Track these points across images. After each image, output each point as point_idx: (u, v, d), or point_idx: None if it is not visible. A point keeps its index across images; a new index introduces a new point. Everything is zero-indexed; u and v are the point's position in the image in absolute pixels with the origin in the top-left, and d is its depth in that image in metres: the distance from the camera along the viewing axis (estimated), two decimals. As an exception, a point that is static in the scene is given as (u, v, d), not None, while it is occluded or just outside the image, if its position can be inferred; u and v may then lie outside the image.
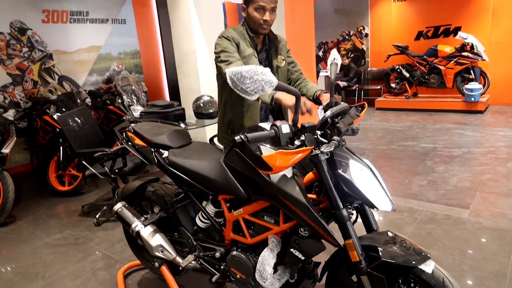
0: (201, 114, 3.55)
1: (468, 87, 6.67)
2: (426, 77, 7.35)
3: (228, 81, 1.16)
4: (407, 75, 7.54)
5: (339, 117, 1.40)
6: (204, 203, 1.87)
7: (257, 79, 1.13)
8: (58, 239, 2.97)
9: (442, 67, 7.08)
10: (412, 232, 2.64)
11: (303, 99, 1.58)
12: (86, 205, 3.50)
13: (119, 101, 4.55)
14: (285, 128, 1.24)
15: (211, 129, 3.93)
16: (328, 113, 1.33)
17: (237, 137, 1.16)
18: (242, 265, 1.64)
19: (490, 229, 2.61)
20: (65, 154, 3.84)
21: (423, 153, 4.57)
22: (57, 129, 3.86)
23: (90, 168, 3.06)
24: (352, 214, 1.39)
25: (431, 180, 3.63)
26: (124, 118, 4.41)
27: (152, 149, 1.87)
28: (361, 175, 1.34)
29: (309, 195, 1.44)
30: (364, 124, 6.55)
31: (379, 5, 8.39)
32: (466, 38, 6.63)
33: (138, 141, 1.92)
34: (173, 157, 1.80)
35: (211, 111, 3.55)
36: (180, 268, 1.94)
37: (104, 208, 3.31)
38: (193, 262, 1.82)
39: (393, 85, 7.94)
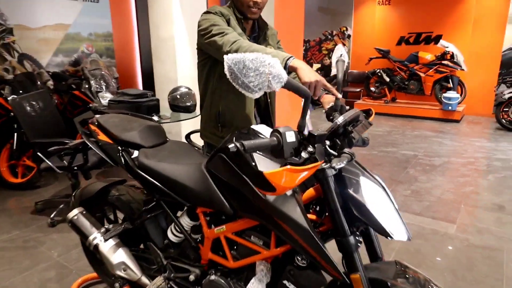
0: (178, 107, 3.23)
1: (446, 96, 6.71)
2: (406, 83, 7.35)
3: (226, 71, 0.89)
4: (387, 79, 7.51)
5: (351, 125, 1.17)
6: (179, 212, 1.59)
7: (264, 71, 0.87)
8: (4, 241, 2.58)
9: (422, 74, 7.08)
10: (400, 248, 2.48)
11: (323, 81, 1.28)
12: (40, 201, 3.10)
13: (86, 86, 4.13)
14: (290, 136, 0.99)
15: (188, 124, 3.62)
16: (340, 119, 1.10)
17: (231, 145, 0.90)
18: (222, 292, 1.38)
19: (479, 247, 2.49)
20: (19, 142, 3.41)
21: (404, 160, 4.48)
22: (11, 113, 3.41)
23: (46, 160, 2.68)
24: (361, 242, 1.17)
25: (414, 190, 3.51)
26: (90, 105, 4.00)
27: (119, 147, 1.56)
28: (374, 196, 1.12)
29: (308, 215, 1.21)
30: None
31: (363, 6, 8.31)
32: (447, 47, 6.65)
33: (102, 137, 1.61)
34: (144, 159, 1.50)
35: (188, 104, 3.24)
36: None
37: (61, 206, 2.93)
38: (162, 284, 1.54)
39: (372, 88, 7.90)
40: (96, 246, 1.60)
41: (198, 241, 1.51)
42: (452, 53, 6.63)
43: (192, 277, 1.48)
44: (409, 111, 7.30)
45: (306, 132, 1.07)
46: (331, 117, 1.41)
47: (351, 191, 1.10)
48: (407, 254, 2.39)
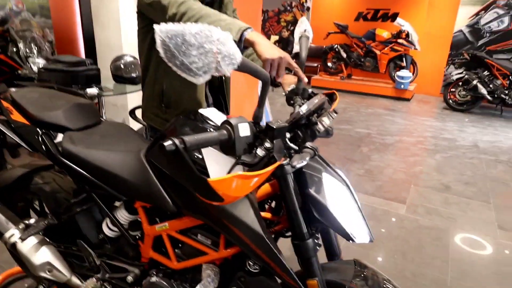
0: (121, 78, 2.91)
1: (399, 74, 6.84)
2: (362, 59, 7.39)
3: (159, 47, 0.68)
4: (345, 55, 7.50)
5: (315, 115, 1.02)
6: (117, 203, 1.38)
7: (210, 50, 0.67)
8: None
9: (378, 52, 7.14)
10: (353, 230, 2.46)
11: (287, 58, 1.07)
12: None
13: (14, 49, 3.60)
14: (244, 129, 0.81)
15: (133, 97, 3.30)
16: (304, 108, 0.94)
17: (167, 142, 0.71)
18: (164, 296, 1.22)
19: (427, 228, 2.55)
20: None
21: (358, 138, 4.51)
22: None
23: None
24: (320, 245, 1.05)
25: (368, 170, 3.53)
26: (19, 71, 3.51)
27: (38, 129, 1.30)
28: (336, 195, 0.99)
29: (262, 214, 1.07)
30: (300, 102, 6.36)
31: (324, -22, 8.11)
32: (403, 26, 6.71)
33: (16, 116, 1.33)
34: (70, 145, 1.26)
35: (133, 75, 2.93)
36: None
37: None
38: (95, 286, 1.35)
39: (329, 64, 7.87)
40: (14, 245, 1.35)
41: (138, 238, 1.32)
42: (408, 32, 6.71)
43: (130, 278, 1.30)
44: (364, 88, 7.39)
45: (263, 123, 0.90)
46: (292, 102, 1.25)
47: (311, 191, 0.97)
48: (360, 237, 2.38)
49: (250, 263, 1.05)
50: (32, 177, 1.52)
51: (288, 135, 0.94)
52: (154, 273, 1.26)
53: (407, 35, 6.71)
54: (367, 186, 3.17)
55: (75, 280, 1.41)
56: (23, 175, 1.51)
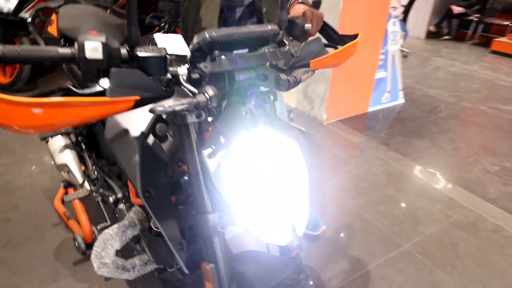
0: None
1: None
2: None
3: None
4: (556, 13, 5.47)
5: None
6: None
7: None
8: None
9: None
10: (430, 234, 1.91)
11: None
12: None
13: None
14: (93, 50, 0.62)
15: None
16: (200, 37, 0.67)
17: None
18: (125, 222, 1.22)
19: (553, 268, 1.75)
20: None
21: (520, 126, 3.35)
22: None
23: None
24: (225, 227, 0.80)
25: (505, 168, 2.62)
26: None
27: (62, 42, 1.38)
28: (242, 171, 0.71)
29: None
30: (462, 69, 5.10)
31: None
32: None
33: (52, 28, 1.44)
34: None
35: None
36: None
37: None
38: (87, 195, 1.47)
39: (529, 24, 5.92)
40: (46, 143, 1.58)
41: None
42: None
43: (111, 199, 1.35)
44: None
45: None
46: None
47: (204, 153, 0.72)
48: (436, 246, 1.82)
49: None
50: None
51: (183, 70, 0.70)
52: (124, 201, 1.26)
53: None
54: (490, 188, 2.36)
55: (87, 186, 1.55)
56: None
